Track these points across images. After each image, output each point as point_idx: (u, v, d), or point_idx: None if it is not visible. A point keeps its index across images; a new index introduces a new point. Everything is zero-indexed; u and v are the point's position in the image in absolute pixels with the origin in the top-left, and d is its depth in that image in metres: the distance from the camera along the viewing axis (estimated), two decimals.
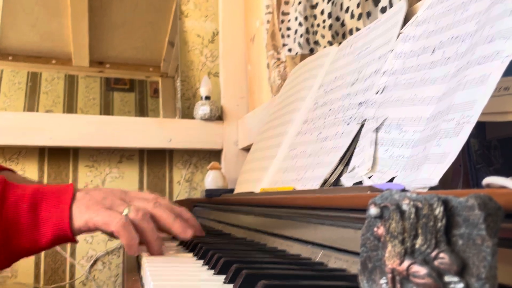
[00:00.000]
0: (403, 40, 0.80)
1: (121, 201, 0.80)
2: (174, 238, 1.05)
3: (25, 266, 1.92)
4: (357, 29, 1.14)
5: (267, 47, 1.72)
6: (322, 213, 0.68)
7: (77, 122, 1.94)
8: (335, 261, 0.61)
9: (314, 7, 1.37)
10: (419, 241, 0.31)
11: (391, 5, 1.00)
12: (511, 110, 0.58)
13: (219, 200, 1.43)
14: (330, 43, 1.30)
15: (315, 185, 0.86)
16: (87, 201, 0.78)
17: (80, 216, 0.77)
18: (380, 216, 0.33)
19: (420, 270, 0.30)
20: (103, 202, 0.79)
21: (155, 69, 2.22)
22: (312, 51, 1.44)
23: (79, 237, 0.84)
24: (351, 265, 0.57)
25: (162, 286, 0.57)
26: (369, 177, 0.71)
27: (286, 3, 1.55)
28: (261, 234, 0.94)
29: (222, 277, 0.60)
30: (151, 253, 0.81)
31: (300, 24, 1.45)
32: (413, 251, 0.31)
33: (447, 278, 0.29)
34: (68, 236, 0.78)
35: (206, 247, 0.81)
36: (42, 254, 1.94)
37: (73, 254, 1.98)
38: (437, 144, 0.56)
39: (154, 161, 2.12)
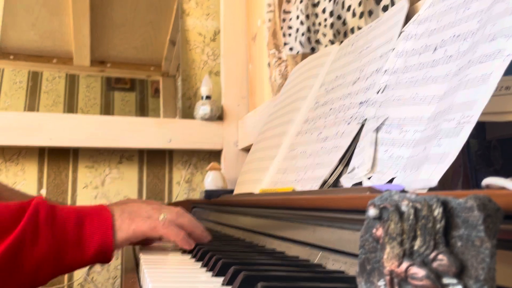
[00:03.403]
0: (404, 39, 0.80)
1: (154, 210, 0.89)
2: None
3: None
4: (359, 28, 1.14)
5: (268, 46, 1.72)
6: (321, 214, 0.68)
7: (77, 122, 1.93)
8: (333, 263, 0.61)
9: (315, 5, 1.36)
10: (417, 243, 0.31)
11: (392, 3, 1.00)
12: (511, 110, 0.57)
13: (218, 201, 1.43)
14: (332, 42, 1.29)
15: (315, 186, 0.86)
16: (129, 215, 0.87)
17: (127, 228, 0.85)
18: (379, 217, 0.33)
19: (418, 272, 0.30)
20: (141, 213, 0.88)
21: (156, 68, 2.22)
22: (313, 50, 1.43)
23: None
24: (350, 267, 0.57)
25: (160, 287, 0.57)
26: (369, 178, 0.70)
27: (288, 1, 1.55)
28: (260, 235, 0.94)
29: (221, 278, 0.60)
30: (198, 241, 0.91)
31: (302, 23, 1.45)
32: (412, 252, 0.31)
33: (445, 280, 0.29)
34: (110, 250, 0.84)
35: (205, 248, 0.81)
36: None
37: None
38: (437, 144, 0.56)
39: (154, 161, 2.12)
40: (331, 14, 1.26)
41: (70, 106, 2.07)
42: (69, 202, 2.00)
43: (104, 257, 0.85)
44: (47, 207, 0.82)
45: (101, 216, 0.85)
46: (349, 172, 0.78)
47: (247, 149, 2.00)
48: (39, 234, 0.80)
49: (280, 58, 1.66)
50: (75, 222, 0.83)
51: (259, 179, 1.19)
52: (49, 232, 0.81)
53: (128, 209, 0.89)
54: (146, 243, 0.99)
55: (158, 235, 0.87)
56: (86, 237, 0.83)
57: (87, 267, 1.97)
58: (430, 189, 0.54)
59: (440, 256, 0.29)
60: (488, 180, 0.42)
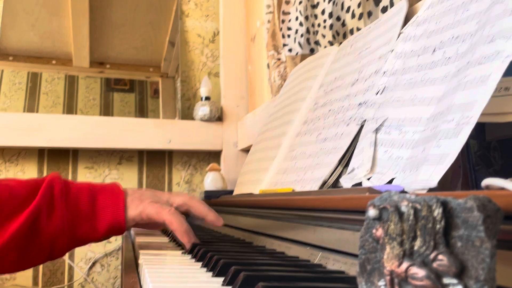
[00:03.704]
0: (403, 40, 0.80)
1: (165, 196, 0.93)
2: (175, 241, 1.05)
3: None
4: (358, 29, 1.14)
5: (267, 47, 1.72)
6: (321, 215, 0.68)
7: (76, 123, 1.93)
8: (333, 263, 0.61)
9: (315, 6, 1.36)
10: (417, 243, 0.31)
11: (392, 4, 1.00)
12: (511, 111, 0.57)
13: (218, 201, 1.43)
14: (331, 43, 1.29)
15: (314, 186, 0.86)
16: (139, 196, 0.90)
17: (135, 207, 0.88)
18: (379, 218, 0.33)
19: (418, 272, 0.30)
20: (151, 197, 0.90)
21: (155, 69, 2.22)
22: (312, 51, 1.43)
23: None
24: (350, 267, 0.57)
25: (161, 287, 0.57)
26: (368, 179, 0.70)
27: (287, 2, 1.55)
28: (260, 235, 0.94)
29: (221, 279, 0.60)
30: (212, 224, 0.93)
31: (301, 24, 1.45)
32: (412, 253, 0.31)
33: (445, 280, 0.29)
34: (122, 225, 0.87)
35: (205, 248, 0.81)
36: None
37: (71, 256, 1.97)
38: (437, 145, 0.56)
39: (154, 162, 2.12)
40: (330, 15, 1.26)
41: (70, 107, 2.07)
42: None
43: (116, 231, 0.89)
44: (61, 182, 0.86)
45: (113, 192, 0.89)
46: (348, 173, 0.78)
47: (246, 150, 2.00)
48: (54, 207, 0.84)
49: (279, 59, 1.66)
50: (88, 196, 0.87)
51: (259, 179, 1.19)
52: (63, 206, 0.84)
53: (140, 191, 0.92)
54: (152, 227, 1.01)
55: (162, 220, 0.88)
56: (99, 211, 0.87)
57: (87, 268, 1.97)
58: (430, 190, 0.54)
59: (440, 256, 0.29)
60: (487, 181, 0.42)
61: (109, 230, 0.88)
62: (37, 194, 0.84)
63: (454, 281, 0.28)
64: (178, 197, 0.93)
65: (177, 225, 0.87)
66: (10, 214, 0.82)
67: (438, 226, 0.30)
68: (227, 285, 0.57)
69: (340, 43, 1.15)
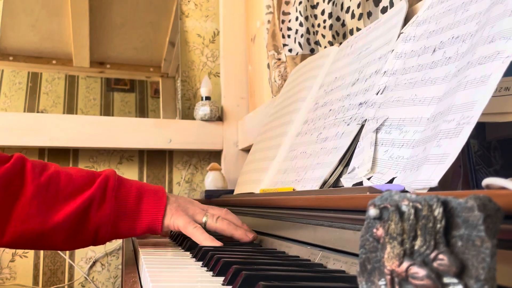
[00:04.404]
0: (403, 40, 0.80)
1: (200, 210, 0.98)
2: (176, 240, 1.05)
3: (24, 267, 1.92)
4: (358, 29, 1.14)
5: (267, 47, 1.72)
6: (321, 214, 0.68)
7: (76, 123, 1.93)
8: (334, 263, 0.61)
9: (314, 7, 1.36)
10: (418, 242, 0.31)
11: (391, 5, 1.00)
12: (511, 110, 0.57)
13: (218, 201, 1.43)
14: (331, 43, 1.29)
15: (315, 186, 0.86)
16: (177, 206, 0.96)
17: (171, 215, 0.95)
18: (379, 217, 0.33)
19: (419, 271, 0.30)
20: (187, 210, 0.97)
21: (155, 69, 2.22)
22: (312, 51, 1.43)
23: None
24: (350, 267, 0.57)
25: (161, 287, 0.57)
26: (369, 178, 0.70)
27: (287, 3, 1.55)
28: (261, 235, 0.94)
29: (221, 278, 0.60)
30: (239, 240, 0.95)
31: (301, 24, 1.45)
32: (412, 252, 0.31)
33: (446, 280, 0.29)
34: (158, 229, 0.95)
35: (205, 248, 0.81)
36: (41, 255, 1.94)
37: (72, 255, 1.97)
38: (437, 144, 0.56)
39: (154, 162, 2.11)
40: (330, 15, 1.26)
41: (70, 107, 2.07)
42: None
43: (152, 233, 0.96)
44: (115, 178, 0.95)
45: (157, 197, 0.96)
46: (349, 173, 0.78)
47: (247, 150, 2.00)
48: (105, 200, 0.92)
49: (279, 59, 1.66)
50: (135, 197, 0.95)
51: (260, 179, 1.19)
52: (113, 200, 0.93)
53: (180, 201, 0.99)
54: None
55: (186, 233, 0.94)
56: (142, 212, 0.94)
57: (88, 268, 1.97)
58: (430, 189, 0.54)
59: (441, 256, 0.29)
60: (488, 180, 0.42)
61: (146, 230, 0.95)
62: (93, 185, 0.93)
63: (455, 280, 0.28)
64: (214, 210, 0.99)
65: (199, 240, 0.91)
66: (66, 198, 0.91)
67: (438, 225, 0.30)
68: (227, 284, 0.57)
69: (340, 43, 1.15)
